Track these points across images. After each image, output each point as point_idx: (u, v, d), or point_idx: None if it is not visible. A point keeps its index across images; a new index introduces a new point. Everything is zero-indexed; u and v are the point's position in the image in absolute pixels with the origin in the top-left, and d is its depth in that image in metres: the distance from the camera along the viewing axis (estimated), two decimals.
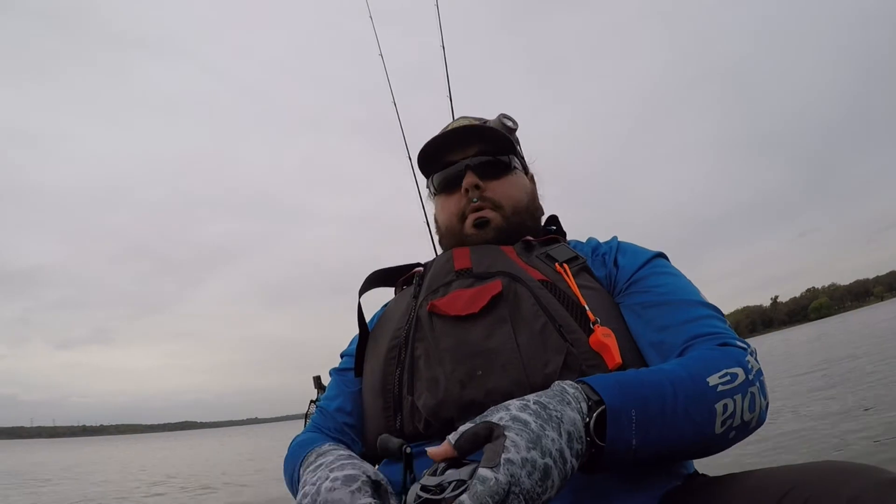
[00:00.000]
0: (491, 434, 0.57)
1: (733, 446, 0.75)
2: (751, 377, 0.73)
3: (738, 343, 0.78)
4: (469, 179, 1.03)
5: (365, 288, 1.08)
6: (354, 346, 1.04)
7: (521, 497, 0.52)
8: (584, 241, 1.06)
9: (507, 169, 1.07)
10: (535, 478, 0.54)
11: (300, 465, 0.82)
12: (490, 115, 1.16)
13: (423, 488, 0.56)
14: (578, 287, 0.88)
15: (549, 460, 0.55)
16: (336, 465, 0.71)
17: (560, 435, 0.58)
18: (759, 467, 0.68)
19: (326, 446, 0.83)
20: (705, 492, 0.69)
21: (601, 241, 1.04)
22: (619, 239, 1.03)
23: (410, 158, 1.84)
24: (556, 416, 0.59)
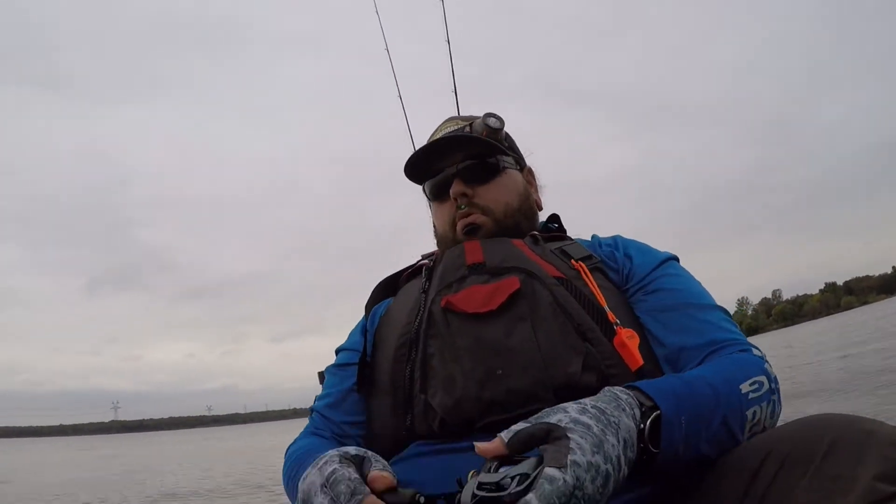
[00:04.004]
0: (548, 435, 0.56)
1: None
2: (773, 385, 0.73)
3: (755, 350, 0.79)
4: (456, 188, 1.01)
5: (372, 301, 1.07)
6: (353, 339, 1.03)
7: (582, 502, 0.51)
8: (588, 238, 1.05)
9: (495, 171, 1.04)
10: (597, 483, 0.52)
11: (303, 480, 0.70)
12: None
13: (481, 486, 0.54)
14: (598, 287, 0.86)
15: (609, 466, 0.54)
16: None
17: (618, 441, 0.56)
18: None
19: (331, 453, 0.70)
20: (704, 470, 0.68)
21: (602, 237, 1.03)
22: (624, 237, 1.01)
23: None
24: (615, 422, 0.57)
